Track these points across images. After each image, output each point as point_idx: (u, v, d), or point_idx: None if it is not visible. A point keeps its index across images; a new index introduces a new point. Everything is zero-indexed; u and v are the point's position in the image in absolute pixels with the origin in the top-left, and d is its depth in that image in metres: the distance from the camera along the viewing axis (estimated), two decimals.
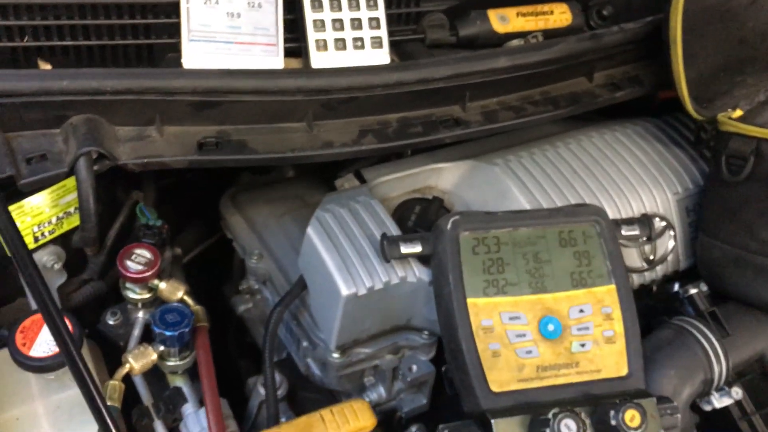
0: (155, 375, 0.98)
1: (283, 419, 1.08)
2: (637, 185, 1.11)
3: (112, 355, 1.01)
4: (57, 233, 1.00)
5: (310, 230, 0.98)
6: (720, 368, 1.00)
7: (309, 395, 1.12)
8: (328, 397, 1.11)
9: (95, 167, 0.89)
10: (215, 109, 0.93)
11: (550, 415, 0.83)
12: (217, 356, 1.29)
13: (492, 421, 0.85)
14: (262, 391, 1.02)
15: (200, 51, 0.93)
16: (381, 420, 1.09)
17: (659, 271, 1.13)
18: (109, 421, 0.66)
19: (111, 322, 1.01)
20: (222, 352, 1.29)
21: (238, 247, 1.19)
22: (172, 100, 0.90)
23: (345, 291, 0.93)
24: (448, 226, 0.93)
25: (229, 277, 1.29)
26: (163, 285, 0.97)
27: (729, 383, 1.03)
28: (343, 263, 0.95)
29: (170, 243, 1.12)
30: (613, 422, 0.84)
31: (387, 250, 0.93)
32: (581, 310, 0.94)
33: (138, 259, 0.95)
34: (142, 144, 0.92)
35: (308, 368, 1.07)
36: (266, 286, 1.15)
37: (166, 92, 0.89)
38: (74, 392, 0.91)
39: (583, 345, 0.92)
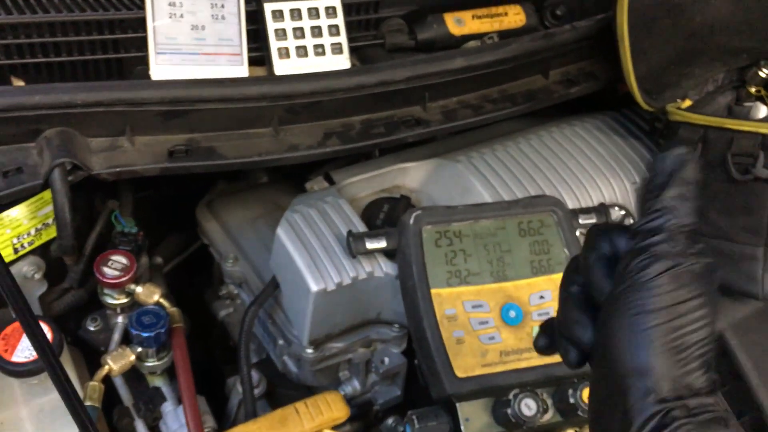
0: (136, 376, 1.02)
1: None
2: (595, 176, 1.15)
3: (94, 360, 1.04)
4: (36, 244, 1.03)
5: (279, 231, 1.02)
6: None
7: (287, 392, 1.15)
8: (306, 393, 1.14)
9: (70, 178, 0.92)
10: (183, 118, 0.96)
11: (510, 396, 0.86)
12: (202, 363, 1.34)
13: (457, 404, 0.89)
14: (240, 389, 1.06)
15: (167, 63, 0.97)
16: (357, 413, 1.13)
17: None
18: (86, 420, 0.70)
19: (91, 328, 1.05)
20: (207, 359, 1.33)
21: (214, 252, 1.22)
22: (141, 110, 0.93)
23: (314, 287, 0.97)
24: (411, 221, 0.97)
25: (210, 283, 1.32)
26: (139, 289, 1.00)
27: None
28: (312, 261, 0.98)
29: (146, 249, 1.15)
30: (571, 400, 0.88)
31: (353, 246, 0.97)
32: (541, 297, 0.98)
33: (114, 265, 0.99)
34: (114, 154, 0.95)
35: (285, 365, 1.11)
36: (242, 288, 1.19)
37: (135, 103, 0.93)
38: (56, 396, 0.93)
39: None
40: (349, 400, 1.11)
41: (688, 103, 1.12)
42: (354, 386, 1.11)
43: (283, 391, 1.16)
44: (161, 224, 1.39)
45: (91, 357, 1.06)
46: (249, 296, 1.17)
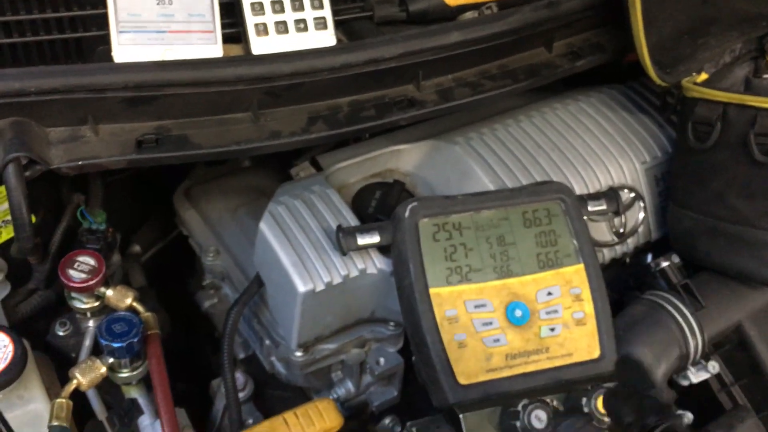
0: (110, 385, 0.93)
1: (249, 420, 1.04)
2: (603, 156, 1.08)
3: (64, 367, 0.96)
4: None
5: (262, 225, 0.93)
6: (695, 342, 0.97)
7: (276, 393, 1.08)
8: (296, 393, 1.08)
9: (26, 173, 0.84)
10: (152, 105, 0.87)
11: (519, 407, 0.79)
12: (185, 355, 1.26)
13: (460, 416, 0.81)
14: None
15: (131, 42, 0.87)
16: (352, 414, 1.06)
17: (630, 243, 1.09)
18: None
19: (60, 333, 0.97)
20: (191, 350, 1.26)
21: (194, 244, 1.14)
22: (104, 97, 0.84)
23: (302, 288, 0.89)
24: (407, 214, 0.89)
25: (194, 271, 1.24)
26: (110, 292, 0.92)
27: (706, 356, 1.00)
28: (299, 259, 0.90)
29: (119, 244, 1.06)
30: (585, 409, 0.81)
31: (343, 242, 0.89)
32: (549, 293, 0.90)
33: (81, 267, 0.90)
34: (75, 145, 0.87)
35: (273, 367, 1.03)
36: (225, 282, 1.10)
37: (97, 89, 0.84)
38: (21, 411, 0.87)
39: (552, 329, 0.89)
40: (343, 403, 1.04)
41: (704, 76, 1.03)
42: (348, 388, 1.04)
43: (272, 391, 1.09)
44: (138, 208, 1.31)
45: (59, 362, 0.98)
46: (232, 291, 1.09)
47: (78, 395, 0.89)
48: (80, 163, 0.86)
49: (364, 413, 1.09)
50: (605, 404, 0.80)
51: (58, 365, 0.98)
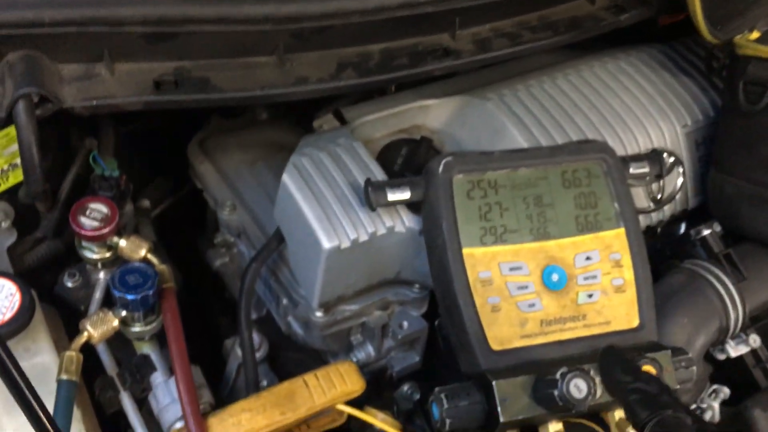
0: (122, 340, 0.89)
1: (264, 382, 1.00)
2: (643, 118, 1.03)
3: (73, 320, 0.92)
4: (2, 188, 0.89)
5: (285, 177, 0.88)
6: (736, 315, 0.93)
7: (292, 355, 1.04)
8: (312, 356, 1.03)
9: (37, 112, 0.79)
10: (172, 42, 0.82)
11: (558, 375, 0.74)
12: (195, 314, 1.22)
13: (493, 382, 0.77)
14: (240, 353, 0.94)
15: None
16: (370, 380, 1.02)
17: (667, 210, 1.04)
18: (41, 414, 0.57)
19: (69, 285, 0.92)
20: (200, 310, 1.22)
21: (209, 197, 1.09)
22: (122, 31, 0.79)
23: (327, 244, 0.84)
24: (440, 169, 0.83)
25: (204, 229, 1.19)
26: (123, 243, 0.87)
27: (745, 330, 0.95)
28: (324, 213, 0.85)
29: (131, 195, 1.02)
30: None
31: (372, 197, 0.84)
32: (588, 258, 0.85)
33: (93, 215, 0.85)
34: (90, 84, 0.82)
35: (290, 327, 0.98)
36: (240, 239, 1.05)
37: (114, 23, 0.78)
38: (28, 364, 0.82)
39: (590, 295, 0.84)
40: (362, 368, 1.00)
41: (756, 35, 0.97)
42: (368, 352, 0.99)
43: (288, 354, 1.04)
44: (149, 163, 1.26)
45: (67, 315, 0.93)
46: (248, 248, 1.04)
47: (86, 350, 0.84)
48: (94, 102, 0.81)
49: (383, 379, 1.04)
50: (600, 360, 0.76)
51: (66, 319, 0.94)
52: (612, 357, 0.74)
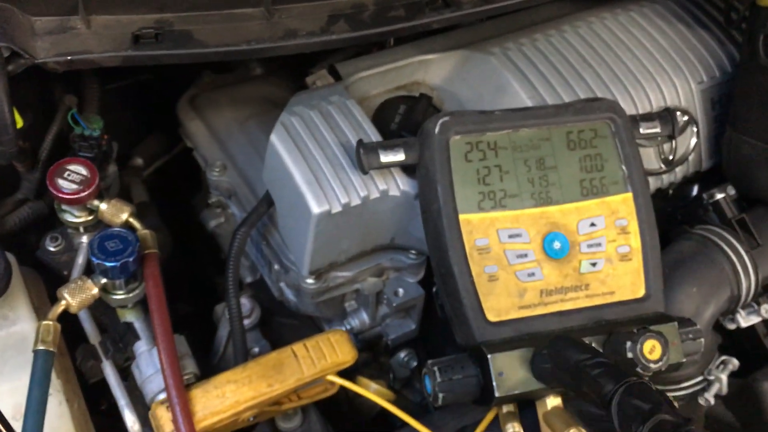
0: (104, 306, 0.86)
1: (255, 349, 0.97)
2: (655, 74, 0.97)
3: (57, 285, 0.89)
4: None
5: (273, 137, 0.84)
6: (749, 283, 0.89)
7: (284, 320, 1.01)
8: (306, 322, 1.01)
9: (9, 67, 0.75)
10: None
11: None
12: (189, 276, 1.19)
13: (489, 356, 0.73)
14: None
15: None
16: (364, 347, 0.99)
17: (679, 172, 0.99)
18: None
19: (51, 249, 0.89)
20: (196, 272, 1.19)
21: (198, 157, 1.05)
22: None
23: (316, 209, 0.80)
24: (437, 129, 0.79)
25: (198, 189, 1.15)
26: (104, 206, 0.83)
27: (757, 299, 0.91)
28: (314, 176, 0.81)
29: (120, 154, 0.97)
30: (629, 354, 0.72)
31: (364, 159, 0.79)
32: (592, 224, 0.81)
33: (72, 177, 0.81)
34: (64, 38, 0.77)
35: (282, 293, 0.95)
36: (231, 200, 1.01)
37: None
38: (5, 333, 0.79)
39: (594, 264, 0.80)
40: (356, 335, 0.97)
41: None
42: (362, 319, 0.96)
43: (281, 319, 1.01)
44: (141, 120, 1.22)
45: (50, 279, 0.90)
46: (239, 210, 1.00)
47: (72, 316, 0.81)
48: (69, 58, 0.77)
49: (378, 346, 1.01)
50: (550, 348, 0.72)
51: (50, 284, 0.90)
52: (562, 342, 0.72)
